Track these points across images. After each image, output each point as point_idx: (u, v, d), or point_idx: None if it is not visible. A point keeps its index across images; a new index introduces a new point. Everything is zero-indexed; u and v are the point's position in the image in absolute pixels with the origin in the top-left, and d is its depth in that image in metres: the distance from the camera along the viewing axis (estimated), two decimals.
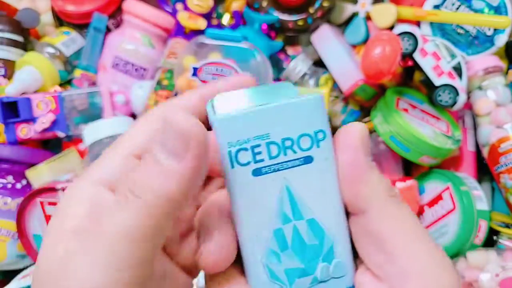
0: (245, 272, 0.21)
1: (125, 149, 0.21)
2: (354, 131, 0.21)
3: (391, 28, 0.61)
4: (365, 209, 0.21)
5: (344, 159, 0.21)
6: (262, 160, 0.20)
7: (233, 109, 0.20)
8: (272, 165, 0.20)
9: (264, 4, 0.62)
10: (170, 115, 0.19)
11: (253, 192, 0.20)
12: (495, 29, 0.60)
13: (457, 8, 0.61)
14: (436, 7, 0.61)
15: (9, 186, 0.57)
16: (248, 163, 0.20)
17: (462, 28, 0.61)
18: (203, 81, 0.51)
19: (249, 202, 0.20)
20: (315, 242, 0.21)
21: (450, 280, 0.20)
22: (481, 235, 0.56)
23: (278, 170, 0.20)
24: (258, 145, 0.20)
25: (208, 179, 0.25)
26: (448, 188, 0.57)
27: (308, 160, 0.20)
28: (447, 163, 0.61)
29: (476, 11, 0.60)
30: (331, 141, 0.21)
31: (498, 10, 0.60)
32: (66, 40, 0.64)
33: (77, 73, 0.63)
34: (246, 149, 0.20)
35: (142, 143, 0.21)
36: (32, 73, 0.59)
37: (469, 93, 0.61)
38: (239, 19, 0.64)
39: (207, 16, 0.63)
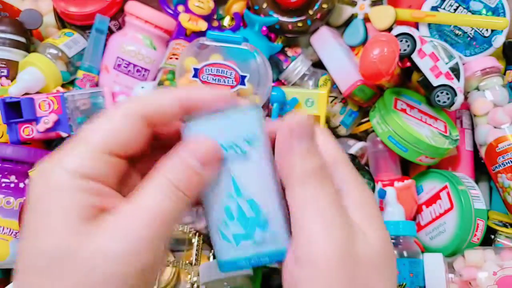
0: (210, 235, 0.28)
1: (96, 145, 0.24)
2: (293, 118, 0.26)
3: (389, 29, 0.61)
4: (286, 184, 0.26)
5: (278, 138, 0.26)
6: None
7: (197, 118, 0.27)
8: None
9: (264, 6, 0.62)
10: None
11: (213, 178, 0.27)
12: (492, 30, 0.60)
13: (455, 10, 0.61)
14: (434, 8, 0.61)
15: (12, 185, 0.57)
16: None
17: (460, 29, 0.61)
18: (204, 82, 0.52)
19: (211, 185, 0.27)
20: (252, 215, 0.27)
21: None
22: (479, 234, 0.56)
23: (225, 163, 0.27)
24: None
25: None
26: (446, 187, 0.58)
27: (246, 156, 0.27)
28: (445, 163, 0.62)
29: (474, 12, 0.60)
30: (264, 143, 0.27)
31: (496, 11, 0.60)
32: (69, 41, 0.64)
33: (80, 74, 0.63)
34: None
35: (112, 141, 0.24)
36: (35, 74, 0.59)
37: (467, 93, 0.61)
38: (239, 21, 0.64)
39: (208, 18, 0.63)
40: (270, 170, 0.27)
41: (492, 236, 0.59)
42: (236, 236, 0.28)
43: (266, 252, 0.27)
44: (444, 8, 0.61)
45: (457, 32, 0.62)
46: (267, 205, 0.27)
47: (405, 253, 0.53)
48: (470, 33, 0.61)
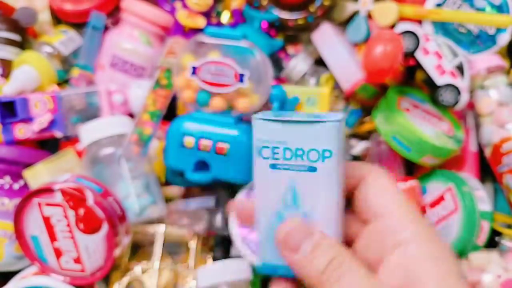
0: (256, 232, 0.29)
1: None
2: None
3: (392, 26, 0.60)
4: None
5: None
6: (278, 159, 0.27)
7: (270, 117, 0.27)
8: (284, 164, 0.27)
9: (264, 2, 0.62)
10: None
11: (267, 180, 0.28)
12: (497, 28, 0.60)
13: (459, 7, 0.60)
14: (438, 5, 0.60)
15: (7, 186, 0.57)
16: (267, 158, 0.28)
17: (464, 27, 0.61)
18: (202, 80, 0.51)
19: (264, 186, 0.28)
20: None
21: None
22: (483, 236, 0.56)
23: (288, 169, 0.27)
24: (277, 147, 0.27)
25: None
26: (450, 188, 0.57)
27: (312, 169, 0.27)
28: (449, 164, 0.61)
29: (478, 9, 0.60)
30: (337, 160, 0.27)
31: (500, 9, 0.60)
32: (64, 39, 0.64)
33: (75, 72, 0.63)
34: (267, 147, 0.27)
35: None
36: (30, 72, 0.59)
37: (471, 92, 0.61)
38: (238, 18, 0.64)
39: (206, 14, 0.63)
40: (337, 192, 0.27)
41: (497, 238, 0.58)
42: None
43: None
44: (447, 5, 0.60)
45: (461, 29, 0.61)
46: (324, 227, 0.27)
47: None
48: (474, 31, 0.61)
